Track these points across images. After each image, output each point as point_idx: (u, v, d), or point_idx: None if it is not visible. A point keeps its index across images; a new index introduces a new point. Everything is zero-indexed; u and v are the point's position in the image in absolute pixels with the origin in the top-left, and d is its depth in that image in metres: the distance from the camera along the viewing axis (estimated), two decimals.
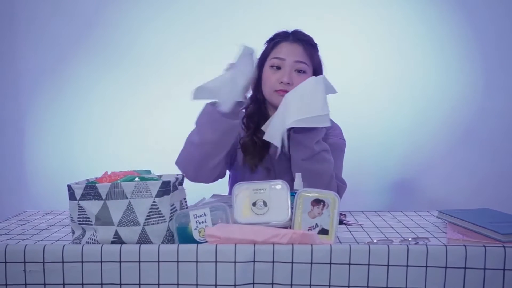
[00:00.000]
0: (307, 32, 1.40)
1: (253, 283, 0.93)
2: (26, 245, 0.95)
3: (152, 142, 2.21)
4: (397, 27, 2.16)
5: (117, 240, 0.98)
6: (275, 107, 1.28)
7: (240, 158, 1.39)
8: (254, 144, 1.36)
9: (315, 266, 0.92)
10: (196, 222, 0.98)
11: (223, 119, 1.23)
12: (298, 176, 1.14)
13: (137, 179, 1.01)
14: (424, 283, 0.91)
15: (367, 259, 0.92)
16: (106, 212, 0.98)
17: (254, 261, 0.92)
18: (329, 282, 0.92)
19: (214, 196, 1.39)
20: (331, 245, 0.93)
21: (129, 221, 0.98)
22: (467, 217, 1.07)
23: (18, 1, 2.22)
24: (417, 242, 0.99)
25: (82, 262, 0.94)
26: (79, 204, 1.00)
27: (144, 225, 0.97)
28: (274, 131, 1.22)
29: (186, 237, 0.98)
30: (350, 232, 1.13)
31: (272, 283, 0.93)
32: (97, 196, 0.99)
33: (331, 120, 1.47)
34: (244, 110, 1.42)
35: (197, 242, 0.97)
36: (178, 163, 1.30)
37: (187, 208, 1.09)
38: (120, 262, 0.93)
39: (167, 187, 0.98)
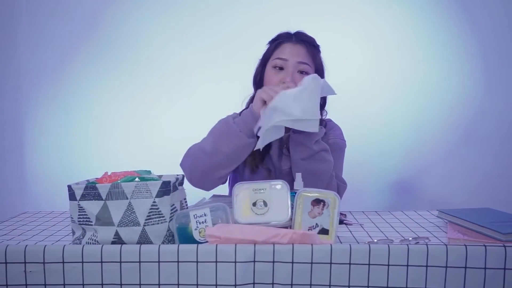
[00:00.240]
0: (307, 32, 1.39)
1: (254, 283, 0.93)
2: (26, 245, 0.95)
3: (152, 142, 2.21)
4: (397, 27, 2.16)
5: (118, 240, 0.98)
6: None
7: None
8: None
9: (316, 266, 0.92)
10: (196, 222, 0.98)
11: (241, 135, 1.23)
12: (298, 176, 1.14)
13: (137, 179, 1.01)
14: (425, 283, 0.91)
15: (367, 259, 0.91)
16: (107, 213, 0.98)
17: (254, 261, 0.92)
18: (330, 282, 0.92)
19: (214, 196, 1.39)
20: (331, 245, 0.93)
21: (129, 221, 0.97)
22: (467, 216, 1.07)
23: (18, 1, 2.22)
24: (418, 242, 0.99)
25: (82, 262, 0.94)
26: (79, 205, 1.00)
27: (144, 226, 0.97)
28: (263, 127, 1.20)
29: (186, 237, 0.98)
30: (350, 231, 1.13)
31: (273, 283, 0.93)
32: (97, 197, 0.99)
33: (331, 120, 1.48)
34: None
35: (198, 242, 0.97)
36: (184, 167, 1.29)
37: (187, 208, 1.09)
38: (121, 262, 0.93)
39: (167, 187, 0.98)
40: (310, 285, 0.92)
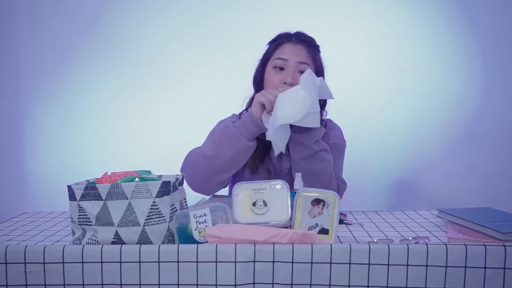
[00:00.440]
0: (307, 32, 1.39)
1: (254, 283, 0.93)
2: (26, 245, 0.95)
3: (152, 142, 2.21)
4: (397, 27, 2.16)
5: (118, 240, 0.98)
6: None
7: None
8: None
9: (315, 265, 0.92)
10: (196, 222, 0.98)
11: (241, 138, 1.23)
12: (298, 176, 1.14)
13: (137, 179, 1.01)
14: (425, 282, 0.91)
15: (367, 258, 0.91)
16: (106, 213, 0.98)
17: (254, 261, 0.92)
18: (330, 282, 0.92)
19: (213, 196, 1.39)
20: (331, 244, 0.93)
21: (129, 221, 0.98)
22: (467, 216, 1.07)
23: (18, 1, 2.22)
24: (418, 242, 0.99)
25: (82, 262, 0.94)
26: (79, 205, 1.00)
27: (144, 226, 0.97)
28: (269, 131, 1.22)
29: (186, 237, 0.98)
30: (350, 231, 1.13)
31: (273, 283, 0.93)
32: (97, 197, 0.99)
33: (331, 120, 1.48)
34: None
35: (197, 242, 0.97)
36: (184, 172, 1.29)
37: (187, 208, 1.09)
38: (121, 262, 0.93)
39: (167, 188, 0.98)
40: (310, 285, 0.92)
